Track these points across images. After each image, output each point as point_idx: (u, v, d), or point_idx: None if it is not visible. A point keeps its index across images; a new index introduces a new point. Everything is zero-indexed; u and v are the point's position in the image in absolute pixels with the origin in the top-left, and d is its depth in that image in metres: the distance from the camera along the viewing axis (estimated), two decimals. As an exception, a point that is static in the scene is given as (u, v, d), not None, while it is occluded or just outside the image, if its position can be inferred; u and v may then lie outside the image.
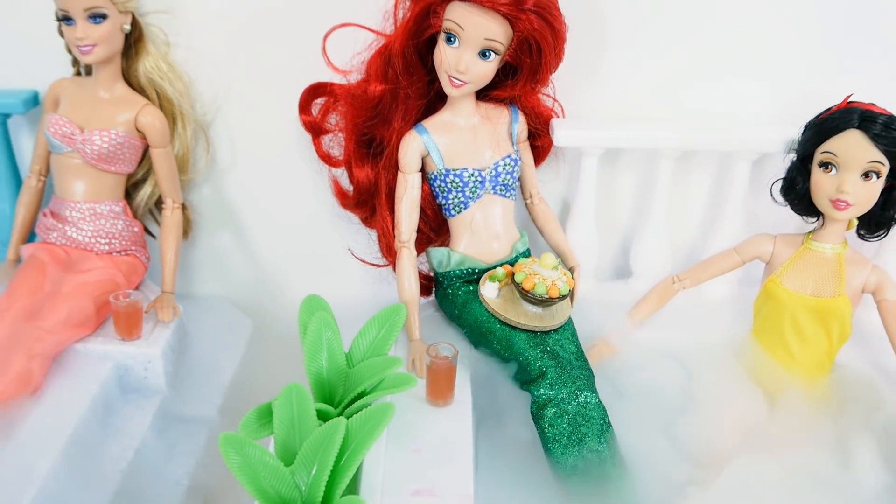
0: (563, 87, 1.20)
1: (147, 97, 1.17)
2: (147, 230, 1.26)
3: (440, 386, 0.99)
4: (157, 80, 1.18)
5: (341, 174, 1.23)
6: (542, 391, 0.98)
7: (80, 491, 0.94)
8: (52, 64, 1.22)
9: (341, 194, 1.22)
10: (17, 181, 1.27)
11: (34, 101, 1.22)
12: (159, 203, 1.25)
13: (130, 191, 1.23)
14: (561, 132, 1.17)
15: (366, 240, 1.27)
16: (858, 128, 1.00)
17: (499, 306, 1.05)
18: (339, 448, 0.86)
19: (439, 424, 0.97)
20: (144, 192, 1.23)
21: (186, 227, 1.26)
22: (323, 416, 0.93)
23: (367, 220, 1.22)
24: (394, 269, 1.15)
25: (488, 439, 0.97)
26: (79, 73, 1.20)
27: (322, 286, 1.07)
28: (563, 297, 1.04)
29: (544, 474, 0.94)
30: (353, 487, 0.90)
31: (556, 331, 1.05)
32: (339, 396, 0.97)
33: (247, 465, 0.83)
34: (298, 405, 0.90)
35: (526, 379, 1.00)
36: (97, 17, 1.07)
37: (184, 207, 1.23)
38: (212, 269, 1.36)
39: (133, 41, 1.15)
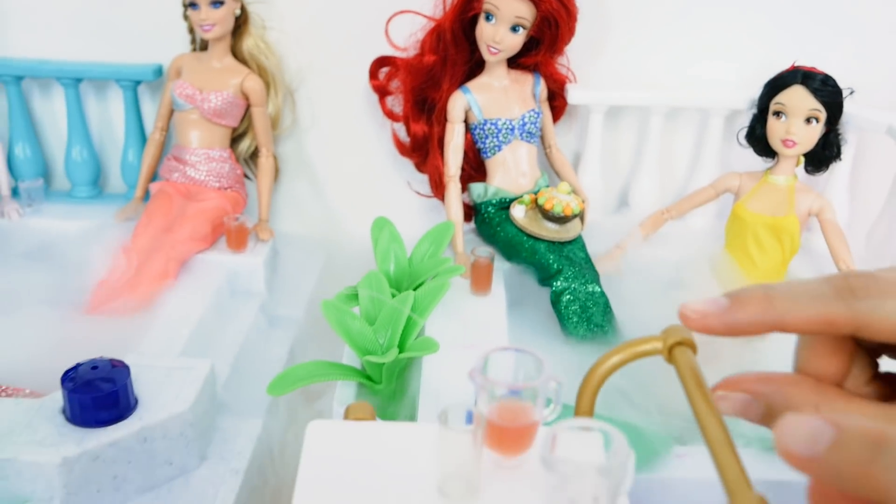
0: (576, 58, 1.40)
1: (249, 68, 1.40)
2: (245, 175, 1.50)
3: (480, 279, 1.22)
4: (256, 55, 1.41)
5: (399, 128, 1.43)
6: (559, 283, 1.21)
7: (208, 356, 1.18)
8: (170, 44, 1.42)
9: (400, 144, 1.44)
10: (142, 136, 1.50)
11: (159, 72, 1.45)
12: (254, 156, 1.49)
13: (232, 143, 1.46)
14: (573, 93, 1.39)
15: (418, 181, 1.48)
16: (801, 83, 1.22)
17: (525, 223, 1.28)
18: (409, 314, 1.11)
19: (481, 307, 1.20)
20: (244, 145, 1.47)
21: (275, 174, 1.51)
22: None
23: (420, 165, 1.44)
24: (442, 201, 1.38)
25: (517, 318, 1.19)
26: (194, 50, 1.45)
27: (384, 218, 1.29)
28: (575, 216, 1.27)
29: (559, 340, 1.18)
30: (419, 343, 1.14)
31: (570, 242, 1.27)
32: (404, 288, 1.21)
33: (342, 322, 1.07)
34: (377, 284, 1.15)
35: (546, 276, 1.24)
36: (217, 3, 1.30)
37: (273, 157, 1.49)
38: (291, 211, 1.56)
39: (240, 24, 1.37)
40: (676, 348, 0.50)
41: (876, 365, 0.36)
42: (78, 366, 0.94)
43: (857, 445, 0.27)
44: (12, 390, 0.99)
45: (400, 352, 1.02)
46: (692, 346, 0.59)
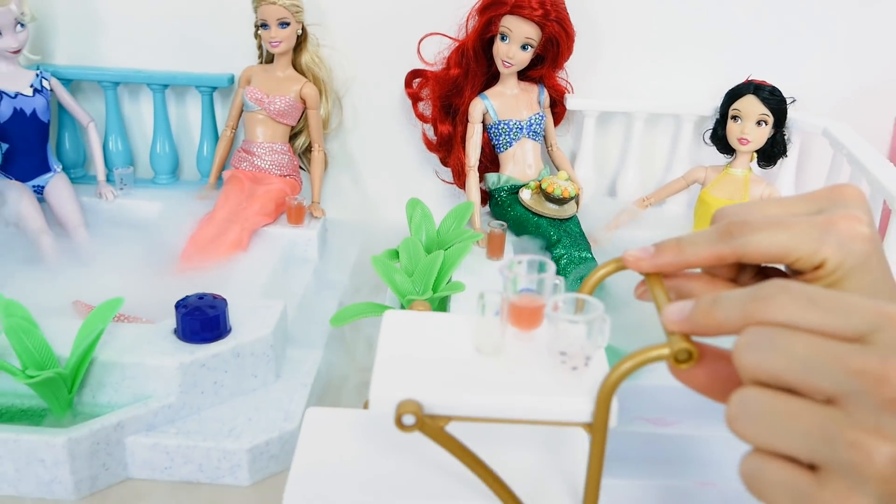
0: (573, 72, 1.58)
1: (306, 77, 1.59)
2: (300, 166, 1.70)
3: (495, 247, 1.42)
4: (312, 67, 1.60)
5: (428, 128, 1.61)
6: (558, 250, 1.41)
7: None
8: (241, 57, 1.62)
9: (428, 142, 1.63)
10: (215, 134, 1.69)
11: (231, 80, 1.64)
12: (307, 150, 1.68)
13: (291, 139, 1.64)
14: (571, 101, 1.57)
15: (443, 172, 1.67)
16: (753, 93, 1.41)
17: (531, 203, 1.48)
18: (439, 268, 1.31)
19: (495, 269, 1.41)
20: (300, 141, 1.66)
21: (325, 165, 1.71)
22: (425, 259, 1.37)
23: (445, 159, 1.62)
24: (463, 189, 1.58)
25: (525, 277, 1.41)
26: (261, 62, 1.64)
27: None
28: (571, 198, 1.47)
29: (559, 293, 1.38)
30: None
31: (567, 219, 1.46)
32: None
33: (387, 273, 1.27)
34: (413, 246, 1.36)
35: (548, 245, 1.43)
36: (284, 23, 1.51)
37: (324, 151, 1.68)
38: (336, 199, 1.74)
39: (300, 41, 1.56)
40: None
41: (760, 267, 0.46)
42: (187, 297, 1.15)
43: (704, 303, 0.39)
44: (133, 318, 1.20)
45: (434, 293, 1.23)
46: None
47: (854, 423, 0.31)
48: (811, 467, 0.33)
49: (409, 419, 0.65)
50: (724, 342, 0.43)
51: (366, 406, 0.82)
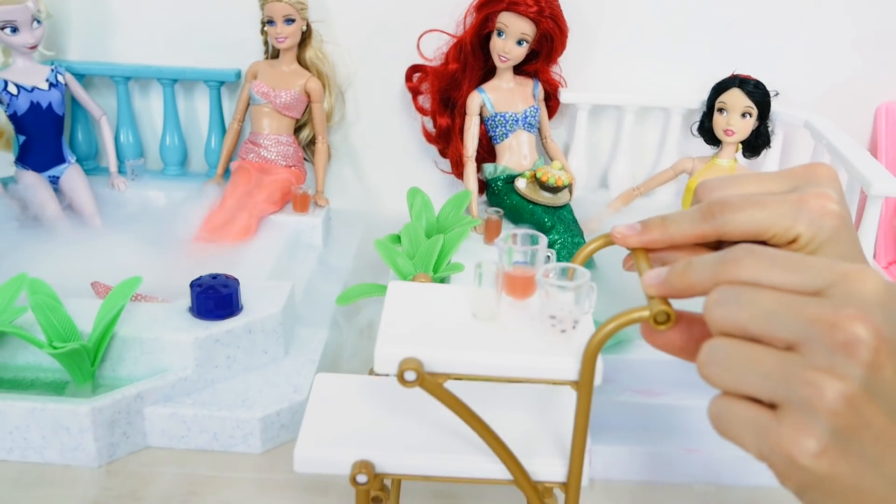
0: (567, 67, 1.64)
1: (310, 72, 1.65)
2: (304, 157, 1.75)
3: (492, 232, 1.48)
4: (316, 63, 1.66)
5: (427, 121, 1.67)
6: (552, 236, 1.45)
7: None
8: (247, 53, 1.67)
9: (427, 134, 1.68)
10: (222, 127, 1.75)
11: (238, 75, 1.70)
12: (311, 142, 1.73)
13: (295, 132, 1.69)
14: (564, 95, 1.63)
15: (442, 163, 1.73)
16: (738, 87, 1.47)
17: (527, 192, 1.54)
18: (439, 251, 1.37)
19: (492, 254, 1.48)
20: (304, 133, 1.71)
21: (328, 157, 1.77)
22: (426, 244, 1.43)
23: (444, 150, 1.67)
24: (461, 179, 1.63)
25: (520, 261, 1.47)
26: (267, 57, 1.71)
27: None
28: (565, 186, 1.53)
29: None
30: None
31: (561, 207, 1.52)
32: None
33: (390, 256, 1.34)
34: (414, 231, 1.42)
35: (543, 231, 1.49)
36: (289, 20, 1.56)
37: (327, 144, 1.74)
38: (339, 190, 1.78)
39: (305, 37, 1.62)
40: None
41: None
42: (201, 277, 1.21)
43: (678, 267, 0.43)
44: (149, 297, 1.26)
45: (434, 273, 1.29)
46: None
47: (809, 364, 0.34)
48: (771, 407, 0.36)
49: (410, 375, 0.71)
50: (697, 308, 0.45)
51: (371, 373, 0.88)
